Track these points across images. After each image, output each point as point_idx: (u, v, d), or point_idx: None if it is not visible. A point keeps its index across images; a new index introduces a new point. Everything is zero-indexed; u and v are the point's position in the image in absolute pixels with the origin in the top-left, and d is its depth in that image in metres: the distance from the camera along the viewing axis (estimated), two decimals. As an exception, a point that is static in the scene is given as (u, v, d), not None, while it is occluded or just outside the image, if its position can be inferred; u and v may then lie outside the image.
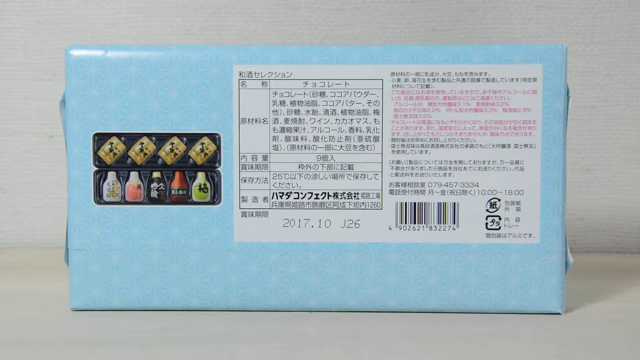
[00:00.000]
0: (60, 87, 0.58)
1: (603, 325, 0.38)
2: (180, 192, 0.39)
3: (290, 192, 0.39)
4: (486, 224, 0.39)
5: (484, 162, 0.39)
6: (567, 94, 0.39)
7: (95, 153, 0.39)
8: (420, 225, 0.39)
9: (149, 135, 0.39)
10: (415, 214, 0.39)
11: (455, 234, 0.39)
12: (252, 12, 0.57)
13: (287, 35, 0.57)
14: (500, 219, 0.39)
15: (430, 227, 0.39)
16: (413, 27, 0.57)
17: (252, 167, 0.39)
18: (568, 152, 0.57)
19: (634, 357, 0.34)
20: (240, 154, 0.39)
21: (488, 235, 0.39)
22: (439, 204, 0.39)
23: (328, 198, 0.39)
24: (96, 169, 0.39)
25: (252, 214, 0.39)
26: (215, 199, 0.39)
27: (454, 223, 0.39)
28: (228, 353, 0.34)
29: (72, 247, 0.39)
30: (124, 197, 0.39)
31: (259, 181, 0.39)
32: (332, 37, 0.57)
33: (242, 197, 0.39)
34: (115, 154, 0.39)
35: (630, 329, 0.38)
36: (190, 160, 0.39)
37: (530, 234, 0.39)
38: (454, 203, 0.39)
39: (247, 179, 0.39)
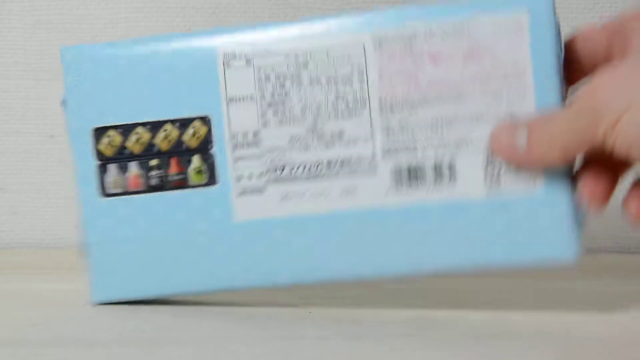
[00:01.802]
0: (61, 86, 0.58)
1: (602, 326, 0.38)
2: (178, 177, 0.39)
3: (284, 166, 0.39)
4: (485, 178, 0.38)
5: (476, 115, 0.38)
6: (559, 33, 0.38)
7: (95, 147, 0.40)
8: (418, 186, 0.39)
9: (143, 124, 0.39)
10: (411, 175, 0.39)
11: (454, 192, 0.38)
12: (252, 12, 0.57)
13: (287, 35, 0.57)
14: (499, 171, 0.38)
15: (428, 187, 0.38)
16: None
17: (244, 145, 0.39)
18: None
19: (634, 357, 0.34)
20: (232, 134, 0.39)
21: (489, 190, 0.38)
22: (435, 163, 0.38)
23: (322, 168, 0.39)
24: (98, 162, 0.40)
25: (249, 192, 0.39)
26: (212, 180, 0.39)
27: (452, 181, 0.38)
28: (228, 353, 0.34)
29: (85, 242, 0.40)
30: (127, 188, 0.40)
31: (252, 158, 0.39)
32: (332, 37, 0.57)
33: (238, 176, 0.39)
34: (114, 146, 0.39)
35: (631, 329, 0.38)
36: (184, 144, 0.39)
37: (533, 183, 0.38)
38: (450, 160, 0.38)
39: (241, 157, 0.39)
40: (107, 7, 0.57)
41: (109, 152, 0.40)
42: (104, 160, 0.40)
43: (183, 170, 0.39)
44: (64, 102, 0.40)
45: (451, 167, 0.38)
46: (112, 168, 0.40)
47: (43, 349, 0.35)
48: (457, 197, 0.38)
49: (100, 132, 0.40)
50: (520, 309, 0.41)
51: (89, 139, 0.40)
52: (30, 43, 0.58)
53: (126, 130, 0.39)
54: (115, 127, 0.40)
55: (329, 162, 0.39)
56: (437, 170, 0.38)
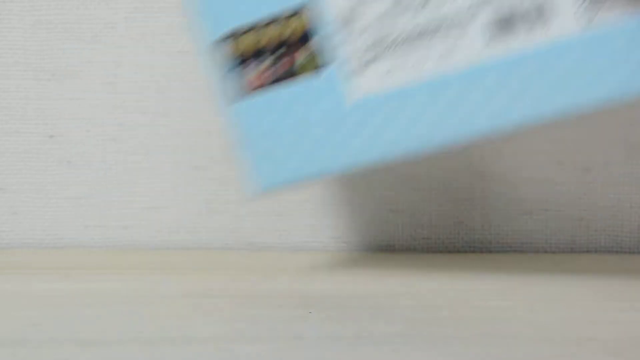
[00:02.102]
0: (60, 87, 0.58)
1: (603, 325, 0.38)
2: (292, 69, 0.42)
3: (383, 40, 0.40)
4: (579, 12, 0.37)
5: None
6: None
7: (218, 58, 0.43)
8: (512, 35, 0.38)
9: (252, 26, 0.43)
10: (504, 25, 0.38)
11: (549, 33, 0.38)
12: (252, 12, 0.57)
13: (287, 35, 0.57)
14: (593, 3, 0.37)
15: (523, 34, 0.38)
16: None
17: (343, 28, 0.41)
18: (567, 153, 0.57)
19: (634, 357, 0.34)
20: (330, 18, 0.41)
21: (585, 24, 0.37)
22: (527, 7, 0.38)
23: (418, 35, 0.40)
24: (223, 71, 0.44)
25: (356, 72, 0.41)
26: (320, 68, 0.41)
27: (546, 22, 0.38)
28: (228, 353, 0.34)
29: (231, 144, 0.44)
30: (250, 88, 0.43)
31: (353, 38, 0.41)
32: (332, 37, 0.57)
33: (343, 59, 0.41)
34: (231, 53, 0.43)
35: (630, 329, 0.38)
36: (291, 38, 0.42)
37: (632, 9, 0.36)
38: (540, 1, 0.38)
39: (343, 40, 0.41)
40: (107, 7, 0.57)
41: (229, 59, 0.43)
42: (226, 68, 0.43)
43: (293, 63, 0.42)
44: (186, 25, 0.45)
45: (543, 8, 0.38)
46: (235, 73, 0.43)
47: (43, 349, 0.35)
48: (554, 38, 0.38)
49: (218, 43, 0.43)
50: (520, 309, 0.41)
51: (211, 51, 0.43)
52: (30, 43, 0.58)
53: (238, 35, 0.43)
54: (229, 36, 0.43)
55: (424, 28, 0.40)
56: (530, 14, 0.38)
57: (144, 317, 0.39)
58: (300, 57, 0.42)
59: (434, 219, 0.57)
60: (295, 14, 0.42)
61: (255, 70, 0.43)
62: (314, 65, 0.42)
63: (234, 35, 0.43)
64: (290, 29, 0.42)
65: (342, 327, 0.38)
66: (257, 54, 0.43)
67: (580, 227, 0.58)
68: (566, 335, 0.37)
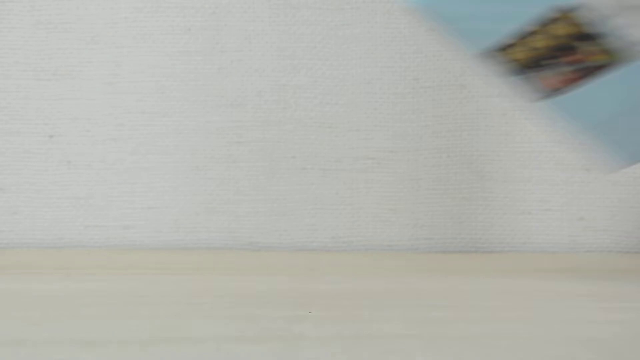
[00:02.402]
0: (60, 87, 0.58)
1: (603, 325, 0.38)
2: (590, 63, 0.41)
3: None
4: None
5: None
6: None
7: (500, 62, 0.41)
8: None
9: (516, 34, 0.40)
10: None
11: None
12: (252, 12, 0.57)
13: (287, 35, 0.57)
14: None
15: None
16: (413, 27, 0.57)
17: (617, 11, 0.39)
18: (567, 153, 0.57)
19: (634, 357, 0.34)
20: (604, 3, 0.39)
21: None
22: None
23: None
24: (512, 77, 0.42)
25: None
26: (618, 54, 0.40)
27: None
28: (228, 353, 0.34)
29: (559, 133, 0.44)
30: (559, 85, 0.41)
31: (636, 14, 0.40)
32: (332, 37, 0.57)
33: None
34: (511, 62, 0.41)
35: (630, 329, 0.38)
36: (574, 32, 0.40)
37: None
38: None
39: (628, 20, 0.39)
40: (107, 7, 0.57)
41: (512, 67, 0.41)
42: (514, 74, 0.41)
43: (589, 58, 0.40)
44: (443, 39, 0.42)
45: None
46: (526, 78, 0.41)
47: (43, 349, 0.35)
48: None
49: (487, 55, 0.41)
50: (519, 309, 0.41)
51: (483, 61, 0.41)
52: (30, 43, 0.58)
53: (507, 47, 0.40)
54: (496, 49, 0.41)
55: None
56: None
57: (144, 317, 0.39)
58: (593, 49, 0.40)
59: (434, 219, 0.57)
60: (561, 15, 0.40)
61: (549, 73, 0.41)
62: (611, 52, 0.40)
63: (502, 48, 0.41)
64: (565, 28, 0.40)
65: (342, 327, 0.38)
66: (538, 60, 0.41)
67: (580, 227, 0.58)
68: (566, 335, 0.37)
